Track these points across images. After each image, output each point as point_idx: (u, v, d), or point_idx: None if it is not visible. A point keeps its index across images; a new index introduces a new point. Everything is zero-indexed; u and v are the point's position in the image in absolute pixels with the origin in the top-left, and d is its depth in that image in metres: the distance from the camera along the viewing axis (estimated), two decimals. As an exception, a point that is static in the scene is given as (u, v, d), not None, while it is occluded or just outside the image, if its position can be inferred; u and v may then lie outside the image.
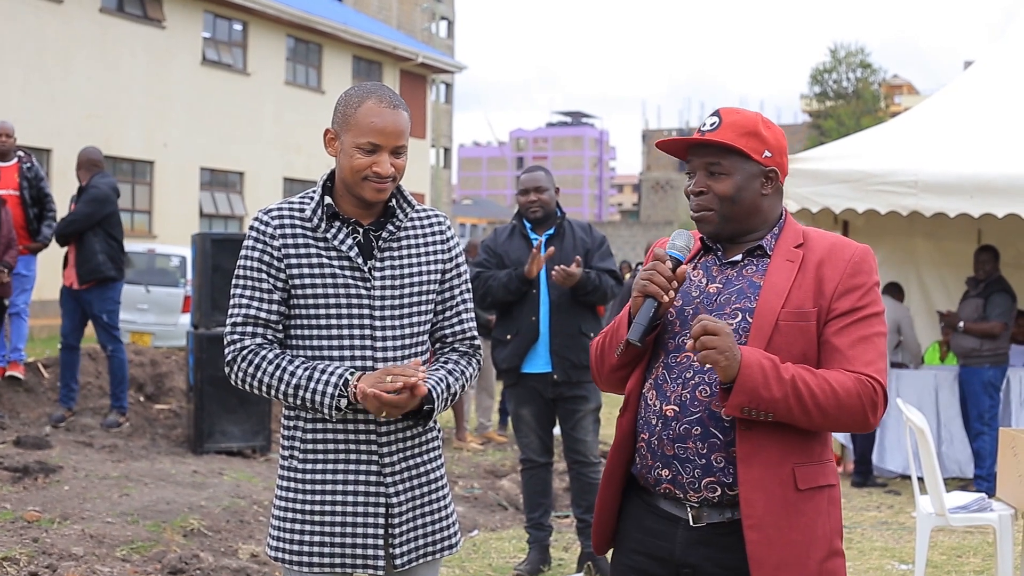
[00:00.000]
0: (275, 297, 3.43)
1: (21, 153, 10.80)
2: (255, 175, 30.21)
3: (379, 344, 3.44)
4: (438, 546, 3.58)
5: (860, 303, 3.09)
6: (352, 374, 3.36)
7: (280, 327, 3.46)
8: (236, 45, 30.06)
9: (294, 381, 3.37)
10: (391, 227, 3.50)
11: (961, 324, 10.39)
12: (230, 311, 3.48)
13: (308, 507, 3.45)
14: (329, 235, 3.44)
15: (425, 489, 3.55)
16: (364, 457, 3.45)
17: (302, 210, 3.48)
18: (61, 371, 10.66)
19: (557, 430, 7.45)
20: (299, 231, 3.45)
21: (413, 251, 3.53)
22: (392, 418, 3.41)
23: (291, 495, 3.48)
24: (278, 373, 3.39)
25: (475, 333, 3.66)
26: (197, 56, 28.37)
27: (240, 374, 3.45)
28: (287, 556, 3.47)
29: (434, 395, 3.43)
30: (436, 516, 3.58)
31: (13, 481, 8.11)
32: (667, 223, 59.79)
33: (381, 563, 3.45)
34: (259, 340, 3.43)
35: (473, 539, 8.12)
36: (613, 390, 3.39)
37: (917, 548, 6.76)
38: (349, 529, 3.44)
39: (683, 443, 3.09)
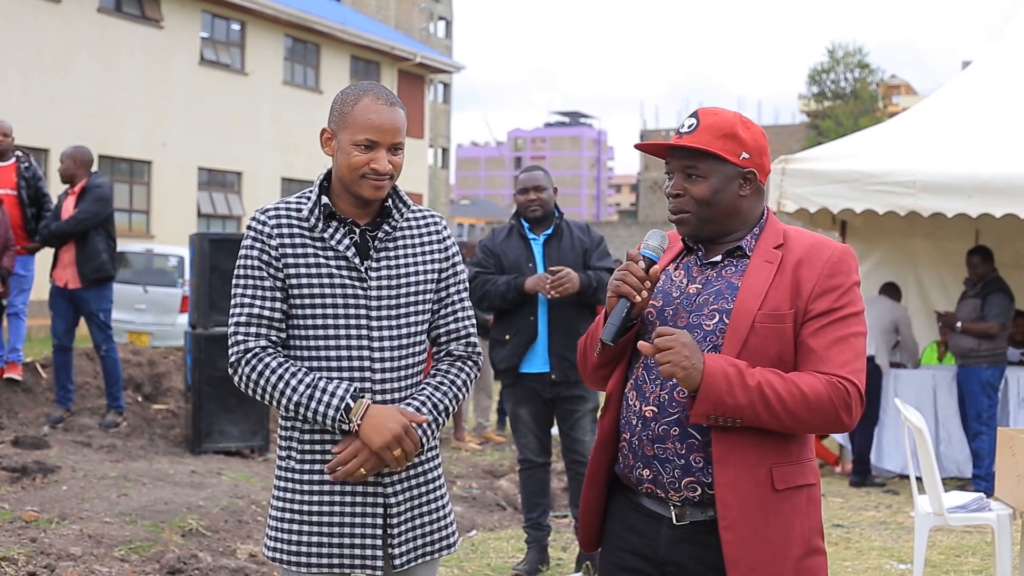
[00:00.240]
0: (277, 295, 3.42)
1: (19, 153, 10.78)
2: (253, 175, 30.20)
3: (376, 344, 3.43)
4: (436, 546, 3.57)
5: (837, 304, 3.09)
6: (355, 399, 3.36)
7: (283, 325, 3.45)
8: (234, 45, 30.06)
9: (295, 398, 3.37)
10: (387, 227, 3.49)
11: (959, 324, 10.39)
12: (232, 311, 3.46)
13: (306, 507, 3.45)
14: (326, 235, 3.44)
15: (423, 489, 3.55)
16: (362, 457, 3.44)
17: (299, 210, 3.47)
18: (56, 372, 10.65)
19: (555, 430, 7.45)
20: (296, 231, 3.44)
21: (409, 251, 3.52)
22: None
23: (289, 495, 3.48)
24: (280, 385, 3.38)
25: (471, 332, 3.65)
26: (195, 56, 28.36)
27: (244, 379, 3.44)
28: (285, 556, 3.46)
29: (426, 428, 3.45)
30: (434, 516, 3.57)
31: (11, 481, 8.11)
32: (665, 223, 59.82)
33: (379, 563, 3.45)
34: (263, 342, 3.42)
35: (471, 539, 8.12)
36: (598, 387, 3.40)
37: (915, 548, 6.76)
38: (347, 529, 3.44)
39: (662, 443, 3.10)
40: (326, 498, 3.44)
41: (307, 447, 3.46)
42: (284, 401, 3.38)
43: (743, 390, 2.96)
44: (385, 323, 3.44)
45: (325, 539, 3.44)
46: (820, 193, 10.21)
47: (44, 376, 11.28)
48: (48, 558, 6.20)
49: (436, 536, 3.57)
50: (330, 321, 3.42)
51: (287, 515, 3.47)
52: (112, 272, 10.51)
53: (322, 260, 3.42)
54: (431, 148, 47.42)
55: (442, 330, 3.60)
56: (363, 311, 3.43)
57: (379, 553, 3.45)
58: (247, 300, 3.43)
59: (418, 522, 3.52)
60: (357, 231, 3.47)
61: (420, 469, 3.54)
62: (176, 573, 6.37)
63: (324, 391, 3.36)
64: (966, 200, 9.65)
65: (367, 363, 3.43)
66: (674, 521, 3.14)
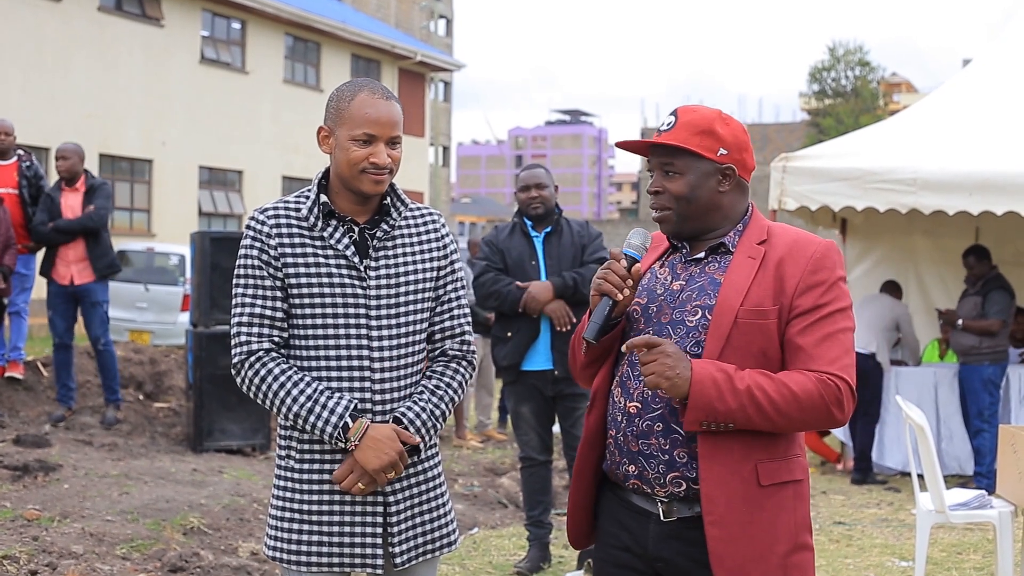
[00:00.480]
0: (278, 295, 3.42)
1: (20, 152, 10.79)
2: (254, 174, 30.20)
3: (375, 344, 3.43)
4: (437, 544, 3.58)
5: (822, 300, 3.10)
6: (354, 418, 3.36)
7: (285, 324, 3.45)
8: (235, 43, 30.05)
9: (295, 408, 3.37)
10: (386, 226, 3.49)
11: (960, 322, 10.39)
12: (235, 311, 3.46)
13: (306, 507, 3.45)
14: (325, 234, 3.44)
15: (423, 487, 3.55)
16: (361, 456, 3.44)
17: (298, 209, 3.47)
18: (57, 371, 10.66)
19: (557, 428, 7.45)
20: (295, 230, 3.44)
21: (408, 249, 3.52)
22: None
23: (288, 494, 3.47)
24: (281, 394, 3.38)
25: (466, 330, 3.64)
26: (196, 55, 28.36)
27: (246, 382, 3.44)
28: (285, 556, 3.46)
29: (418, 438, 3.45)
30: (434, 514, 3.57)
31: (13, 480, 8.11)
32: (665, 221, 59.64)
33: (380, 562, 3.45)
34: (266, 344, 3.42)
35: (473, 537, 8.12)
36: (589, 386, 3.41)
37: (917, 545, 6.76)
38: (347, 528, 3.44)
39: (646, 439, 3.12)
40: (326, 497, 3.44)
41: (306, 447, 3.46)
42: (284, 410, 3.39)
43: (733, 395, 2.98)
44: (384, 322, 3.44)
45: (325, 538, 3.43)
46: (821, 191, 10.20)
47: (45, 375, 11.29)
48: (50, 556, 6.21)
49: (437, 534, 3.57)
50: (329, 320, 3.41)
51: (287, 514, 3.47)
52: (120, 267, 10.73)
53: (321, 259, 3.42)
54: (432, 147, 47.40)
55: (437, 328, 3.59)
56: (362, 310, 3.42)
57: (379, 552, 3.45)
58: (248, 300, 3.43)
59: (418, 520, 3.52)
60: (356, 230, 3.47)
61: (420, 468, 3.54)
62: (178, 571, 6.37)
63: (324, 406, 3.36)
64: (967, 198, 9.65)
65: (366, 362, 3.42)
66: (661, 517, 3.15)
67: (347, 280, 3.42)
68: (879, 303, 10.98)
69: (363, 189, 3.41)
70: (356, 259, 3.43)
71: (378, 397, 3.43)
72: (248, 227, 3.46)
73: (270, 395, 3.39)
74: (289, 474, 3.48)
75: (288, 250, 3.42)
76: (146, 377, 11.87)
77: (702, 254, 3.23)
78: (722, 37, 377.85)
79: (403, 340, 3.48)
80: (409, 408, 3.46)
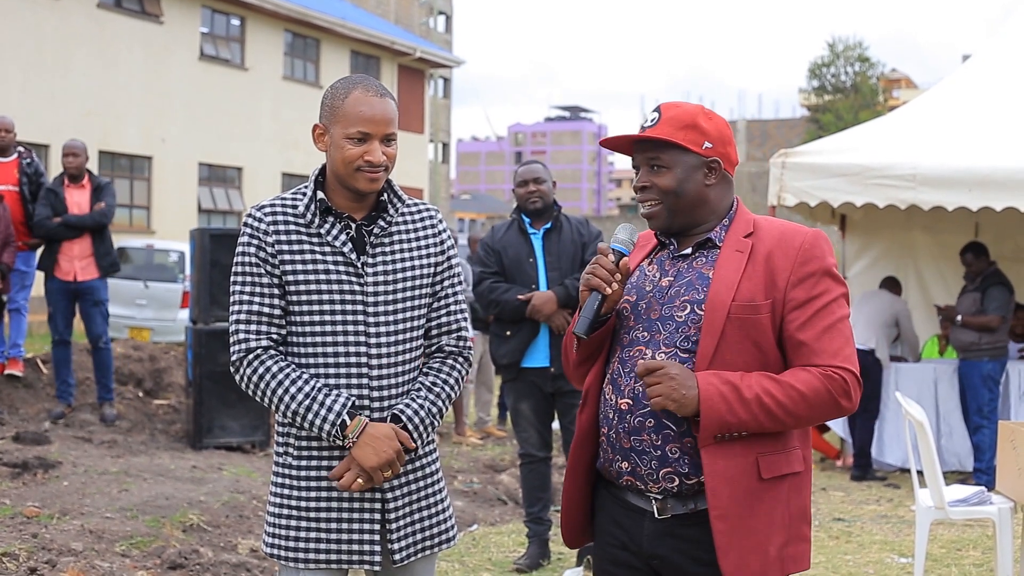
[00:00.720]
0: (275, 292, 3.42)
1: (21, 149, 10.79)
2: (253, 170, 30.18)
3: (372, 340, 3.43)
4: (435, 540, 3.58)
5: (816, 291, 3.12)
6: (351, 415, 3.37)
7: (283, 321, 3.45)
8: (234, 40, 30.02)
9: (293, 406, 3.37)
10: (382, 222, 3.49)
11: (959, 318, 10.39)
12: (232, 308, 3.46)
13: (304, 503, 3.45)
14: (322, 230, 3.44)
15: (421, 484, 3.55)
16: (359, 453, 3.44)
17: (295, 206, 3.47)
18: (56, 368, 10.67)
19: (556, 424, 7.45)
20: (292, 227, 3.44)
21: (405, 246, 3.52)
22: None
23: (286, 491, 3.47)
24: (279, 391, 3.38)
25: (463, 326, 3.64)
26: (195, 51, 28.33)
27: (244, 379, 3.44)
28: (283, 553, 3.46)
29: (415, 436, 3.46)
30: (432, 511, 3.57)
31: (12, 477, 8.12)
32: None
33: (378, 558, 3.45)
34: (265, 341, 3.42)
35: (472, 533, 8.12)
36: (582, 385, 3.42)
37: (916, 541, 6.76)
38: (345, 525, 3.44)
39: (638, 435, 3.13)
40: (323, 494, 3.44)
41: (304, 444, 3.46)
42: (282, 407, 3.39)
43: (742, 405, 3.00)
44: (382, 318, 3.44)
45: (323, 535, 3.43)
46: (820, 187, 10.20)
47: (45, 372, 11.29)
48: (49, 553, 6.21)
49: (435, 530, 3.57)
50: (327, 317, 3.41)
51: (285, 511, 3.47)
52: (120, 266, 10.88)
53: (318, 256, 3.42)
54: (431, 143, 47.37)
55: (434, 324, 3.59)
56: (360, 306, 3.42)
57: (377, 548, 3.44)
58: (246, 297, 3.43)
59: (416, 517, 3.52)
60: (353, 226, 3.47)
61: (418, 464, 3.54)
62: (177, 568, 6.37)
63: (322, 404, 3.36)
64: (966, 193, 9.65)
65: (364, 358, 3.42)
66: (656, 515, 3.16)
67: (344, 277, 3.42)
68: (878, 299, 10.98)
69: (358, 187, 3.41)
70: (353, 256, 3.43)
71: (376, 394, 3.43)
72: (245, 224, 3.46)
73: (268, 392, 3.39)
74: (287, 471, 3.48)
75: (285, 247, 3.41)
76: (146, 374, 11.87)
77: (689, 250, 3.24)
78: (722, 33, 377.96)
79: (400, 336, 3.47)
80: (407, 406, 3.46)
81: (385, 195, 3.52)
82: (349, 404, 3.37)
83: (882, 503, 9.62)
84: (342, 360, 3.42)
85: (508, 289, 7.15)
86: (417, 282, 3.51)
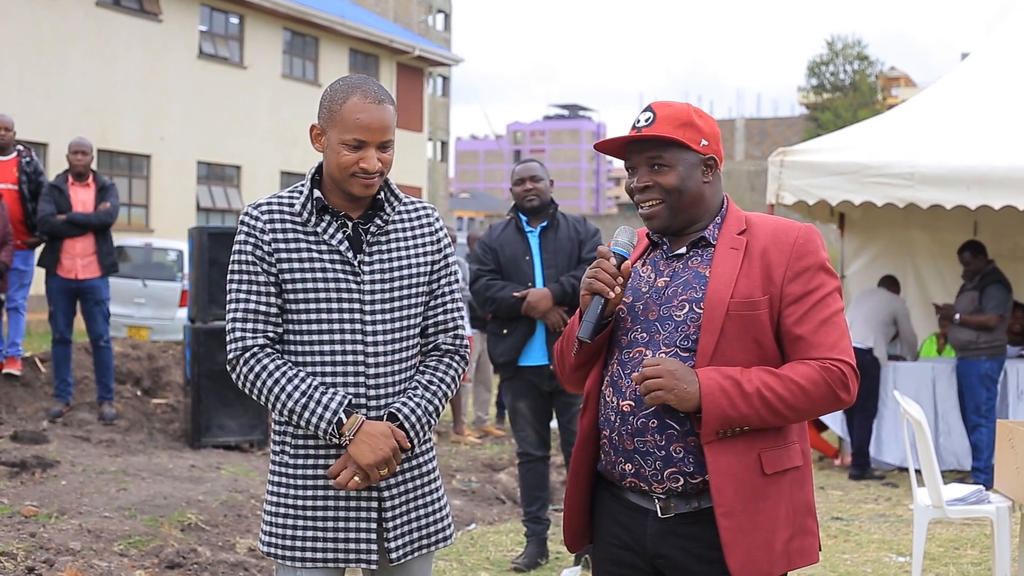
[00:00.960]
0: (272, 290, 3.42)
1: (20, 147, 10.79)
2: (252, 169, 30.17)
3: (369, 339, 3.43)
4: (432, 539, 3.58)
5: (812, 285, 3.14)
6: (348, 414, 3.37)
7: (280, 320, 3.45)
8: (232, 38, 30.01)
9: (290, 404, 3.37)
10: (379, 221, 3.49)
11: (957, 316, 10.39)
12: (229, 306, 3.46)
13: (300, 502, 3.45)
14: (319, 229, 3.43)
15: (418, 483, 3.55)
16: (355, 451, 3.44)
17: (291, 204, 3.47)
18: (56, 366, 10.66)
19: (554, 423, 7.45)
20: (288, 225, 3.44)
21: (402, 244, 3.52)
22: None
23: (283, 490, 3.47)
24: (276, 390, 3.38)
25: (459, 324, 3.64)
26: (193, 50, 28.32)
27: (241, 378, 3.44)
28: (280, 551, 3.46)
29: (412, 434, 3.46)
30: (429, 509, 3.57)
31: (10, 476, 8.11)
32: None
33: (375, 557, 3.45)
34: (261, 340, 3.42)
35: (471, 532, 8.12)
36: (577, 389, 3.43)
37: (914, 540, 6.76)
38: (342, 524, 3.44)
39: (642, 437, 3.13)
40: (320, 492, 3.44)
41: (301, 442, 3.46)
42: (279, 406, 3.39)
43: (743, 399, 3.02)
44: (379, 316, 3.44)
45: (320, 533, 3.43)
46: (818, 185, 10.20)
47: (43, 371, 11.28)
48: (47, 553, 6.21)
49: (432, 529, 3.57)
50: (324, 315, 3.41)
51: (281, 510, 3.47)
52: (119, 266, 10.98)
53: (315, 254, 3.42)
54: (430, 141, 47.40)
55: (431, 322, 3.59)
56: (356, 304, 3.42)
57: (374, 547, 3.44)
58: (243, 295, 3.43)
59: (413, 515, 3.52)
60: (350, 224, 3.47)
61: (415, 463, 3.54)
62: (175, 567, 6.37)
63: (319, 402, 3.36)
64: (965, 192, 9.64)
65: (360, 356, 3.42)
66: (659, 514, 3.17)
67: (341, 275, 3.42)
68: (876, 298, 10.98)
69: (353, 192, 3.41)
70: (350, 254, 3.42)
71: (372, 392, 3.43)
72: (242, 222, 3.46)
73: (265, 391, 3.40)
74: (284, 470, 3.48)
75: (282, 245, 3.41)
76: (144, 373, 11.86)
77: (684, 249, 3.24)
78: (720, 31, 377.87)
79: (397, 335, 3.47)
80: (403, 404, 3.46)
81: (382, 194, 3.52)
82: (346, 402, 3.38)
83: (880, 502, 9.62)
84: (339, 358, 3.42)
85: (504, 286, 7.15)
86: (414, 280, 3.51)
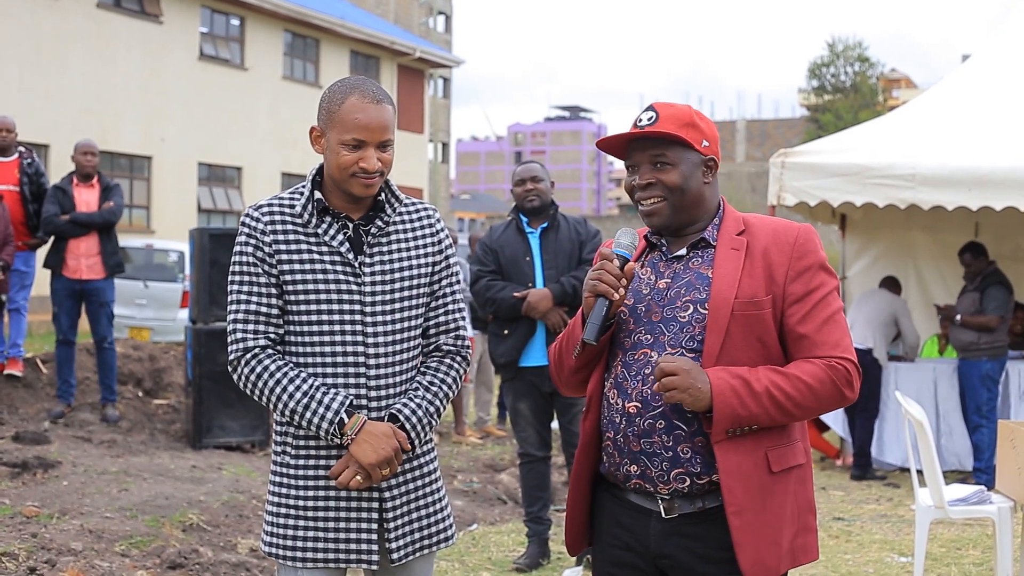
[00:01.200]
0: (273, 291, 3.42)
1: (22, 148, 10.80)
2: (253, 170, 30.18)
3: (370, 340, 3.43)
4: (434, 539, 3.58)
5: (813, 284, 3.17)
6: (349, 414, 3.37)
7: (281, 321, 3.45)
8: (233, 40, 30.03)
9: (292, 404, 3.37)
10: (380, 222, 3.49)
11: (958, 317, 10.39)
12: (230, 308, 3.47)
13: (301, 503, 3.45)
14: (320, 230, 3.44)
15: (419, 483, 3.55)
16: (357, 452, 3.44)
17: (292, 205, 3.47)
18: (58, 367, 10.66)
19: (555, 424, 7.45)
20: (289, 227, 3.44)
21: (403, 245, 3.52)
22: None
23: (284, 490, 3.48)
24: (277, 390, 3.39)
25: (461, 325, 3.64)
26: (194, 51, 28.34)
27: (243, 379, 3.45)
28: (281, 552, 3.46)
29: (413, 435, 3.46)
30: (431, 509, 3.57)
31: (12, 476, 8.11)
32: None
33: (376, 557, 3.45)
34: (263, 340, 3.43)
35: (472, 533, 8.12)
36: (575, 393, 3.43)
37: (916, 541, 6.76)
38: (343, 524, 3.44)
39: (649, 438, 3.14)
40: (321, 493, 3.44)
41: (302, 443, 3.46)
42: (280, 406, 3.39)
43: (753, 399, 3.04)
44: (380, 318, 3.44)
45: (321, 534, 3.44)
46: (820, 187, 10.20)
47: (44, 372, 11.28)
48: (49, 553, 6.21)
49: (433, 529, 3.57)
50: (324, 316, 3.41)
51: (283, 510, 3.47)
52: (124, 267, 11.00)
53: (316, 255, 3.42)
54: (431, 143, 47.37)
55: (432, 323, 3.59)
56: (357, 306, 3.42)
57: (375, 547, 3.45)
58: (244, 297, 3.43)
59: (415, 516, 3.52)
60: (350, 226, 3.47)
61: (416, 463, 3.54)
62: (177, 568, 6.37)
63: (320, 402, 3.36)
64: (966, 193, 9.64)
65: (361, 358, 3.42)
66: (663, 515, 3.17)
67: (342, 276, 3.42)
68: (877, 298, 10.99)
69: (353, 192, 3.41)
70: (351, 255, 3.43)
71: (373, 393, 3.44)
72: (243, 224, 3.46)
73: (266, 391, 3.40)
74: (285, 470, 3.48)
75: (283, 246, 3.42)
76: (145, 374, 11.86)
77: (683, 250, 3.26)
78: (721, 32, 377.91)
79: (398, 336, 3.48)
80: (404, 405, 3.46)
81: (383, 195, 3.52)
82: (347, 402, 3.38)
83: (882, 502, 9.62)
84: (339, 360, 3.42)
85: (504, 287, 7.16)
86: (415, 281, 3.51)
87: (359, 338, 3.42)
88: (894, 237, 12.55)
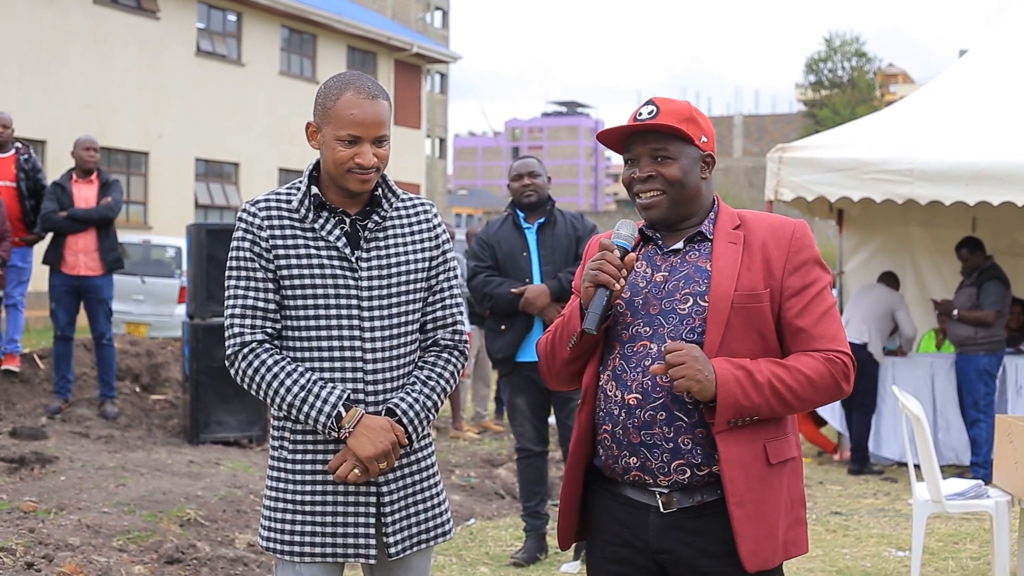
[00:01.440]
0: (270, 286, 3.43)
1: (19, 144, 10.79)
2: (250, 166, 30.16)
3: (367, 335, 3.43)
4: (431, 534, 3.58)
5: (810, 279, 3.20)
6: (347, 407, 3.37)
7: (278, 316, 3.45)
8: (230, 36, 30.00)
9: (289, 398, 3.38)
10: (376, 217, 3.49)
11: (955, 312, 10.41)
12: (228, 303, 3.47)
13: (299, 497, 3.45)
14: (317, 225, 3.44)
15: (416, 477, 3.55)
16: (354, 446, 3.44)
17: (289, 200, 3.47)
18: (56, 363, 10.66)
19: (552, 419, 7.45)
20: (286, 222, 3.44)
21: (400, 240, 3.52)
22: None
23: (282, 485, 3.48)
24: (275, 384, 3.39)
25: (458, 320, 3.65)
26: (191, 47, 28.31)
27: (240, 373, 3.45)
28: (279, 546, 3.47)
29: (410, 429, 3.47)
30: (428, 504, 3.58)
31: (9, 472, 8.12)
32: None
33: (373, 552, 3.45)
34: (260, 335, 3.43)
35: (470, 528, 8.13)
36: (564, 386, 3.44)
37: (914, 535, 6.77)
38: (340, 519, 3.44)
39: (649, 430, 3.14)
40: (319, 487, 3.44)
41: (299, 437, 3.46)
42: (278, 400, 3.39)
43: (756, 390, 3.05)
44: (376, 312, 3.44)
45: (319, 528, 3.44)
46: (817, 182, 10.20)
47: (42, 367, 11.29)
48: (46, 548, 6.21)
49: (430, 524, 3.58)
50: (321, 312, 3.42)
51: (280, 505, 3.47)
52: (123, 263, 11.02)
53: (313, 250, 3.42)
54: (428, 139, 47.39)
55: (429, 318, 3.59)
56: (354, 301, 3.42)
57: (372, 542, 3.45)
58: (241, 292, 3.44)
59: (412, 510, 3.53)
60: (347, 221, 3.47)
61: (413, 458, 3.55)
62: (174, 563, 6.37)
63: (317, 396, 3.37)
64: (963, 188, 9.64)
65: (359, 353, 3.43)
66: (661, 509, 3.18)
67: (339, 271, 3.42)
68: (874, 293, 10.99)
69: (350, 187, 3.42)
70: (347, 250, 3.43)
71: (371, 388, 3.44)
72: (239, 219, 3.46)
73: (264, 386, 3.40)
74: (283, 465, 3.48)
75: (279, 241, 3.42)
76: (143, 369, 11.87)
77: (680, 244, 3.27)
78: (719, 27, 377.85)
79: (395, 331, 3.48)
80: (402, 399, 3.46)
81: (379, 190, 3.52)
82: (345, 396, 3.38)
83: (879, 497, 9.63)
84: (336, 354, 3.42)
85: (501, 283, 7.16)
86: (412, 276, 3.51)
87: (356, 332, 3.42)
88: (891, 232, 12.55)
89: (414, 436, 3.48)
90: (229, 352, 3.46)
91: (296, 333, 3.45)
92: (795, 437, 3.26)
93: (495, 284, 7.18)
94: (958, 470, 10.30)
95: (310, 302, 3.42)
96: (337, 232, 3.44)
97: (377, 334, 3.44)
